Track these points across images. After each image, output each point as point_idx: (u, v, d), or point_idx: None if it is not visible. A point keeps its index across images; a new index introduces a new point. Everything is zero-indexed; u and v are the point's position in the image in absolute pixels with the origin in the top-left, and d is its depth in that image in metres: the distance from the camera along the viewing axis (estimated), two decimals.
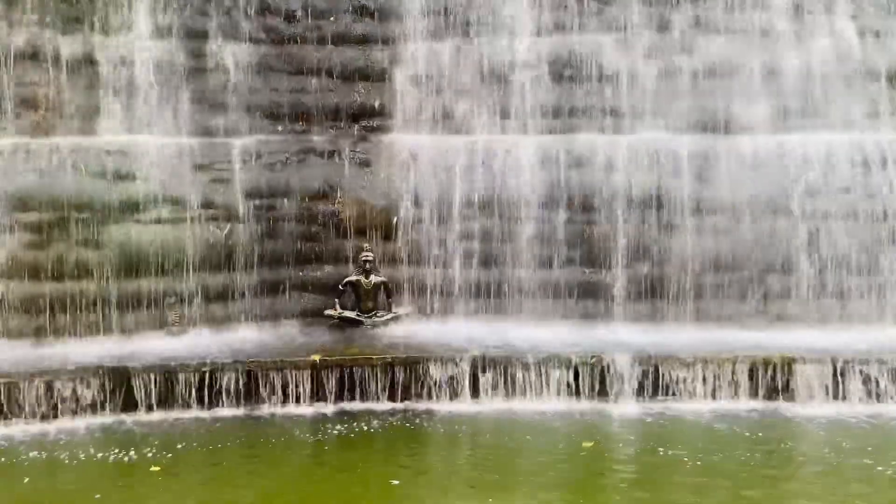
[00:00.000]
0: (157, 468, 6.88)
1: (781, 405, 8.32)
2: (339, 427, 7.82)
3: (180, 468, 6.98)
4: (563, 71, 10.15)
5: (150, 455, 7.14)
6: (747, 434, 7.68)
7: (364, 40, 10.36)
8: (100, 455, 7.21)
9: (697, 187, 9.76)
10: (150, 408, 8.09)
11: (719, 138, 9.91)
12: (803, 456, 7.38)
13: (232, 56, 10.01)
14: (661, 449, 7.23)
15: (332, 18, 10.33)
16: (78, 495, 6.52)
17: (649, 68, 10.09)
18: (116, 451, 7.25)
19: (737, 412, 8.17)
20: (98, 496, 6.44)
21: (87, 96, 9.60)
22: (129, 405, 8.13)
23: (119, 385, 8.08)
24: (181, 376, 8.14)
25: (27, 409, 7.93)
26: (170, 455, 7.17)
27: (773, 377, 8.39)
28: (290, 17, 10.29)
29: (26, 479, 6.74)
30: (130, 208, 9.35)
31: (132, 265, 9.23)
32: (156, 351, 8.66)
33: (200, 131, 9.89)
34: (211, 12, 10.02)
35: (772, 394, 8.39)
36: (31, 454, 7.26)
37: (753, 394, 8.39)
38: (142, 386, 8.09)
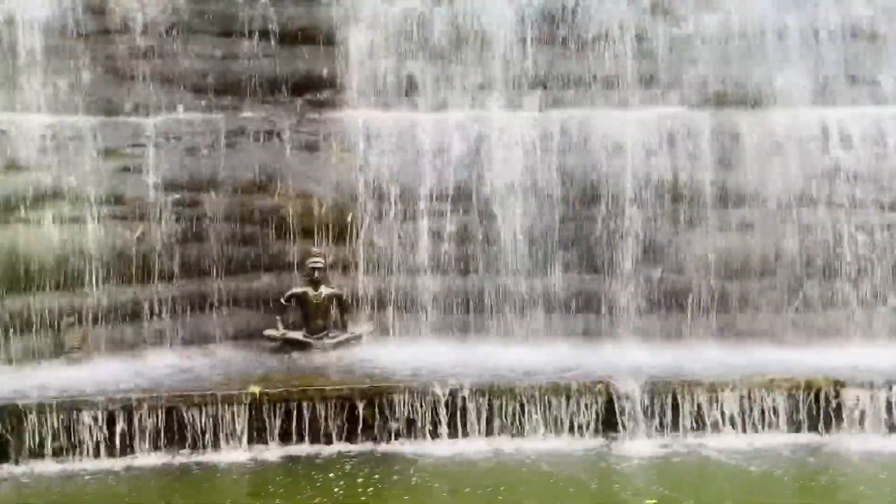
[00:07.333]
0: None
1: (828, 438, 8.00)
2: (283, 477, 7.43)
3: None
4: (557, 30, 9.81)
5: None
6: (789, 476, 7.33)
7: None
8: None
9: (721, 174, 9.55)
10: (43, 455, 7.63)
11: (747, 113, 9.70)
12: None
13: (142, 13, 9.61)
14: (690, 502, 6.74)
15: None
16: None
17: (661, 27, 9.80)
18: None
19: (774, 448, 7.84)
20: None
21: None
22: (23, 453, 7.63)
23: (7, 429, 7.60)
24: (84, 415, 7.72)
25: None
26: None
27: (818, 405, 8.05)
28: None
29: None
30: (15, 205, 8.91)
31: (18, 277, 8.83)
32: (51, 384, 8.20)
33: (103, 108, 9.48)
34: None
35: (816, 425, 8.07)
36: None
37: (794, 426, 8.08)
38: (33, 429, 7.62)
